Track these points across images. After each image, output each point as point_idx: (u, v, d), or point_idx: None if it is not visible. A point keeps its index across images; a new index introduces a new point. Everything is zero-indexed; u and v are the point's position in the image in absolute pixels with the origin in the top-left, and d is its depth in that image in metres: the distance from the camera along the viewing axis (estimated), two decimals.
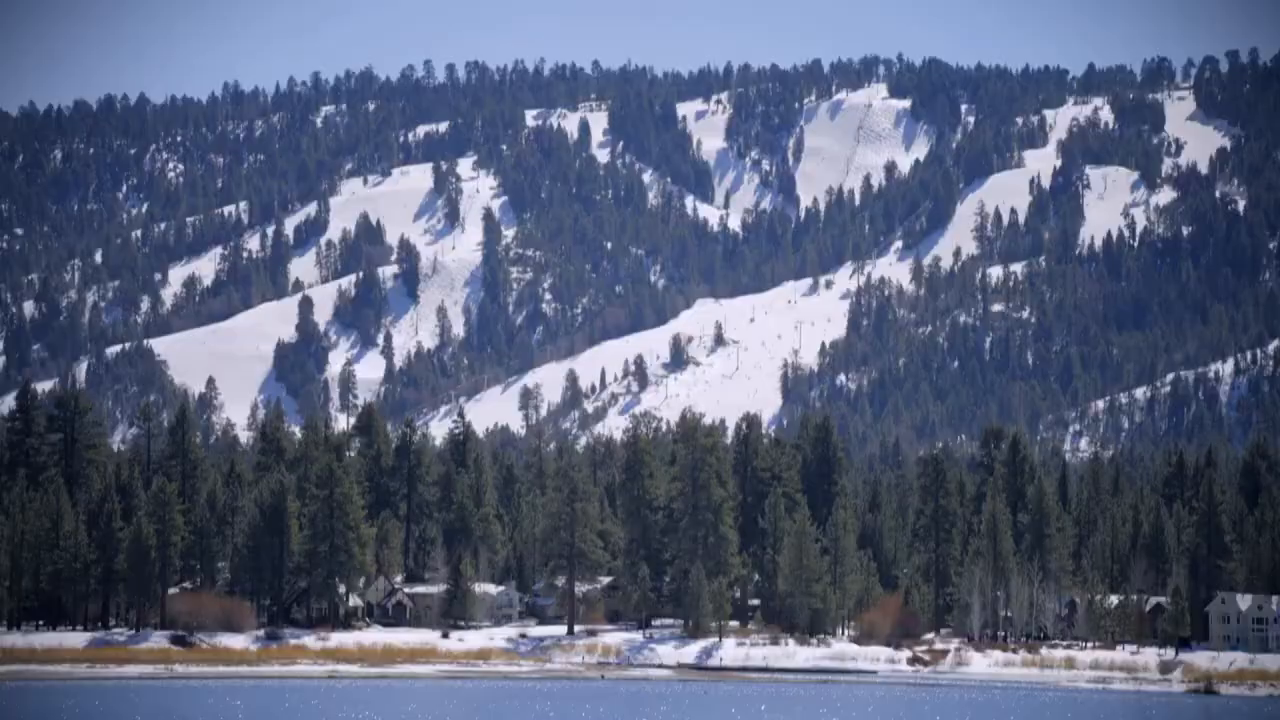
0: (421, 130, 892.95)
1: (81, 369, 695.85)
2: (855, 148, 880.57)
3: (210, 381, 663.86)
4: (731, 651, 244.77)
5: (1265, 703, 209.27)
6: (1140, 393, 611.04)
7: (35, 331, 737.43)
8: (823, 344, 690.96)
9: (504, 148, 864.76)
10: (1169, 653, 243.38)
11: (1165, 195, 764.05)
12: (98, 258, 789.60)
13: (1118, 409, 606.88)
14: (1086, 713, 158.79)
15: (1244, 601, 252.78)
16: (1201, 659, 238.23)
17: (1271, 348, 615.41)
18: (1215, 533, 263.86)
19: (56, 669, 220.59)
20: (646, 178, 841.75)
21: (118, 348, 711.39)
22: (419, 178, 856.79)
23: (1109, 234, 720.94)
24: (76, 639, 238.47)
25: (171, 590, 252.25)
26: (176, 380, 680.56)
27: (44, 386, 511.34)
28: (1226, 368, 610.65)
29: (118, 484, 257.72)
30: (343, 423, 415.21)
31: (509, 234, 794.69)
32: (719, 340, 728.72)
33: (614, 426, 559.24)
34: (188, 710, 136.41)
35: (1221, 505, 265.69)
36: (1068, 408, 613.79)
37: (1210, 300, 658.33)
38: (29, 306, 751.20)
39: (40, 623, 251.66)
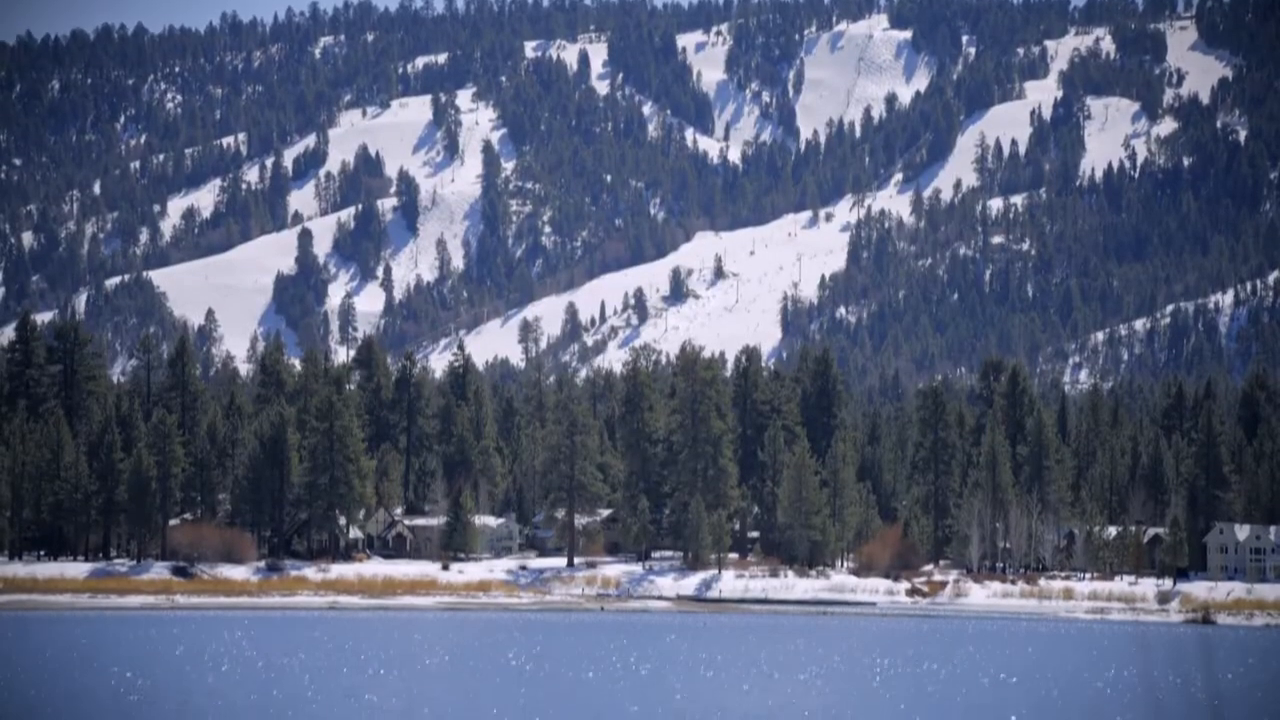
0: (420, 62, 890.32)
1: (81, 300, 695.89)
2: (856, 79, 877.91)
3: (210, 314, 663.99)
4: (731, 583, 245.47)
5: (1262, 632, 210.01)
6: (1140, 324, 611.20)
7: (34, 262, 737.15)
8: (822, 277, 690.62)
9: (503, 80, 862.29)
10: (1167, 583, 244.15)
11: (1166, 126, 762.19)
12: (96, 189, 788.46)
13: (1117, 341, 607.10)
14: (1084, 643, 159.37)
15: (1242, 532, 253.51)
16: (1199, 589, 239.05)
17: (1271, 278, 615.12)
18: (1214, 463, 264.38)
19: (58, 599, 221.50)
20: (646, 110, 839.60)
21: (117, 279, 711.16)
22: (418, 110, 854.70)
23: (1110, 165, 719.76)
24: (78, 569, 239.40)
25: (172, 522, 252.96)
26: (176, 312, 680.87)
27: (43, 318, 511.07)
28: (1226, 299, 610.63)
29: (118, 415, 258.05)
30: (342, 355, 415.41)
31: (508, 166, 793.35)
32: (719, 273, 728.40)
33: (613, 359, 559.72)
34: (194, 641, 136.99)
35: (1220, 436, 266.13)
36: (1067, 340, 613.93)
37: (1210, 231, 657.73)
38: (28, 237, 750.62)
39: (42, 553, 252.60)
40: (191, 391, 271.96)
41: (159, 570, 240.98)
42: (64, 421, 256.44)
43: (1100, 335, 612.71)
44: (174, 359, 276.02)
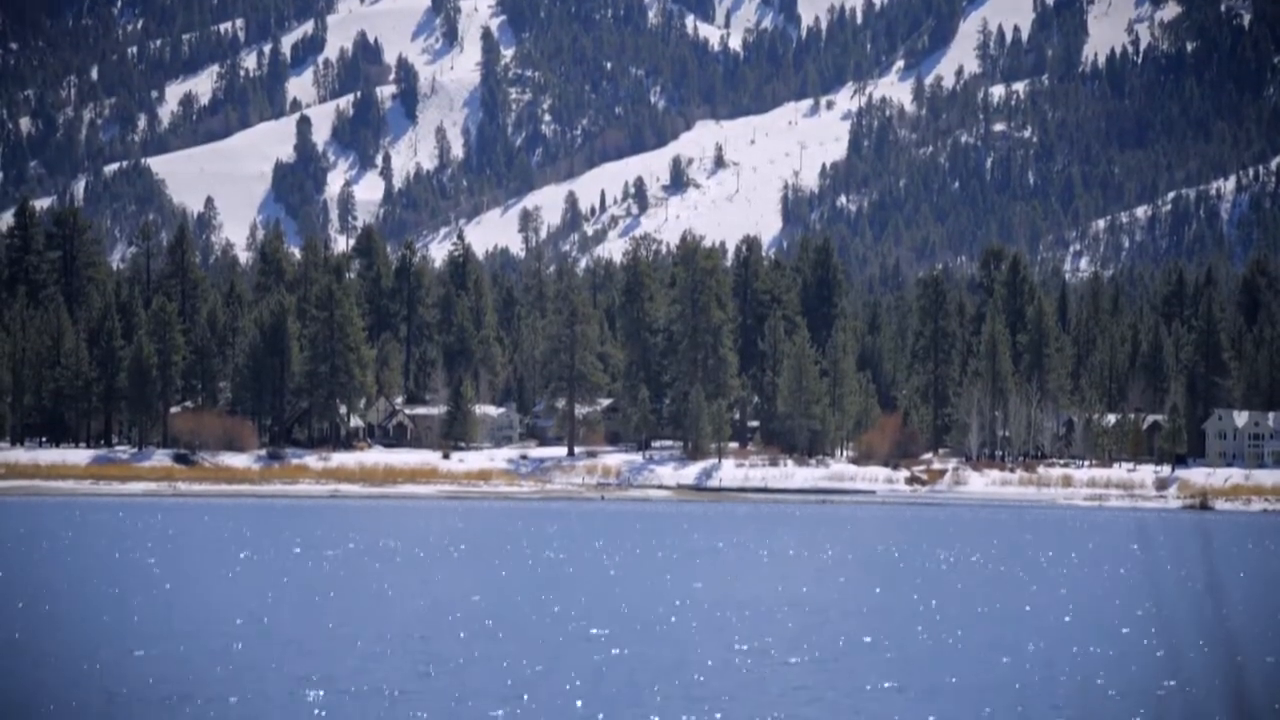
0: None
1: (79, 187, 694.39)
2: None
3: (209, 201, 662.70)
4: (730, 472, 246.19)
5: (1259, 517, 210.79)
6: (1141, 211, 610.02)
7: (32, 148, 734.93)
8: (823, 165, 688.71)
9: None
10: (1165, 470, 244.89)
11: (1170, 10, 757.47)
12: (93, 74, 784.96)
13: (1118, 228, 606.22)
14: (1082, 530, 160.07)
15: (1240, 418, 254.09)
16: (1197, 475, 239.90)
17: (1274, 164, 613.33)
18: (1213, 350, 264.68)
19: (60, 485, 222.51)
20: None
21: (115, 166, 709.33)
22: None
23: (1112, 50, 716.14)
24: (80, 456, 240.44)
25: (173, 409, 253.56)
26: (175, 199, 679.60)
27: (42, 204, 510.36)
28: (1228, 185, 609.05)
29: (118, 303, 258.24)
30: (342, 244, 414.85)
31: (508, 54, 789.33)
32: (719, 162, 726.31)
33: (614, 249, 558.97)
34: (198, 529, 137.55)
35: (1220, 323, 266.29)
36: (1068, 227, 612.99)
37: (1213, 117, 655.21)
38: (25, 123, 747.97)
39: (44, 439, 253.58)
40: (191, 279, 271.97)
41: (160, 458, 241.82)
42: (64, 308, 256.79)
43: (1101, 223, 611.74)
44: (173, 246, 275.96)
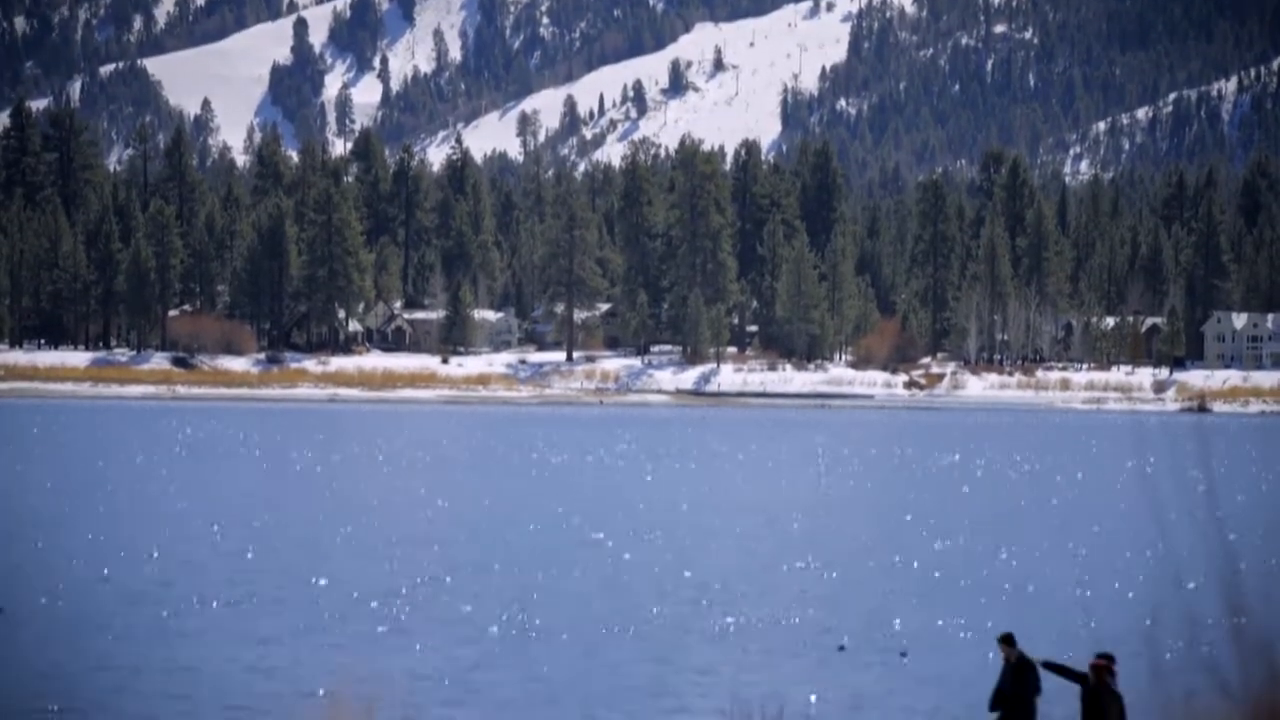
0: None
1: (75, 88, 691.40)
2: None
3: (205, 103, 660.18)
4: (729, 377, 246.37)
5: (1257, 419, 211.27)
6: (1142, 113, 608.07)
7: (27, 49, 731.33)
8: (823, 68, 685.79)
9: None
10: (1164, 372, 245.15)
11: None
12: None
13: (1119, 130, 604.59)
14: (1080, 432, 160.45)
15: (1239, 320, 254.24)
16: (1195, 378, 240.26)
17: (1276, 64, 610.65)
18: (1213, 252, 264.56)
19: (59, 387, 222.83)
20: None
21: (111, 67, 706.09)
22: None
23: None
24: (78, 358, 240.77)
25: (171, 313, 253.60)
26: (171, 102, 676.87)
27: (38, 105, 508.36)
28: (1230, 85, 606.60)
29: (115, 205, 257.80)
30: (340, 148, 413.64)
31: None
32: (718, 65, 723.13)
33: (612, 153, 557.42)
34: (205, 431, 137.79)
35: (1220, 224, 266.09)
36: (1068, 130, 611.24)
37: (1215, 17, 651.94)
38: (20, 22, 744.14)
39: (42, 342, 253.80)
40: (189, 182, 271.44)
41: (159, 361, 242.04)
42: (61, 210, 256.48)
43: (1102, 125, 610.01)
44: (170, 149, 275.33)
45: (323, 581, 51.53)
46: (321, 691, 34.78)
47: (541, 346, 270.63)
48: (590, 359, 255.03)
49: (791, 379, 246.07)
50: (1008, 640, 24.74)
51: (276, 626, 43.31)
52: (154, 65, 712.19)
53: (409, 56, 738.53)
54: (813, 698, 35.30)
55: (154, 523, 68.23)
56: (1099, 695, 23.39)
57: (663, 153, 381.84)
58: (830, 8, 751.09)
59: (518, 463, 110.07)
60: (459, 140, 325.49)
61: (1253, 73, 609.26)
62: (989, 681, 26.03)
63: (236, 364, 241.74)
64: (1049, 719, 26.63)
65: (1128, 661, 38.72)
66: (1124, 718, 23.56)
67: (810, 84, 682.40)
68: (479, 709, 34.11)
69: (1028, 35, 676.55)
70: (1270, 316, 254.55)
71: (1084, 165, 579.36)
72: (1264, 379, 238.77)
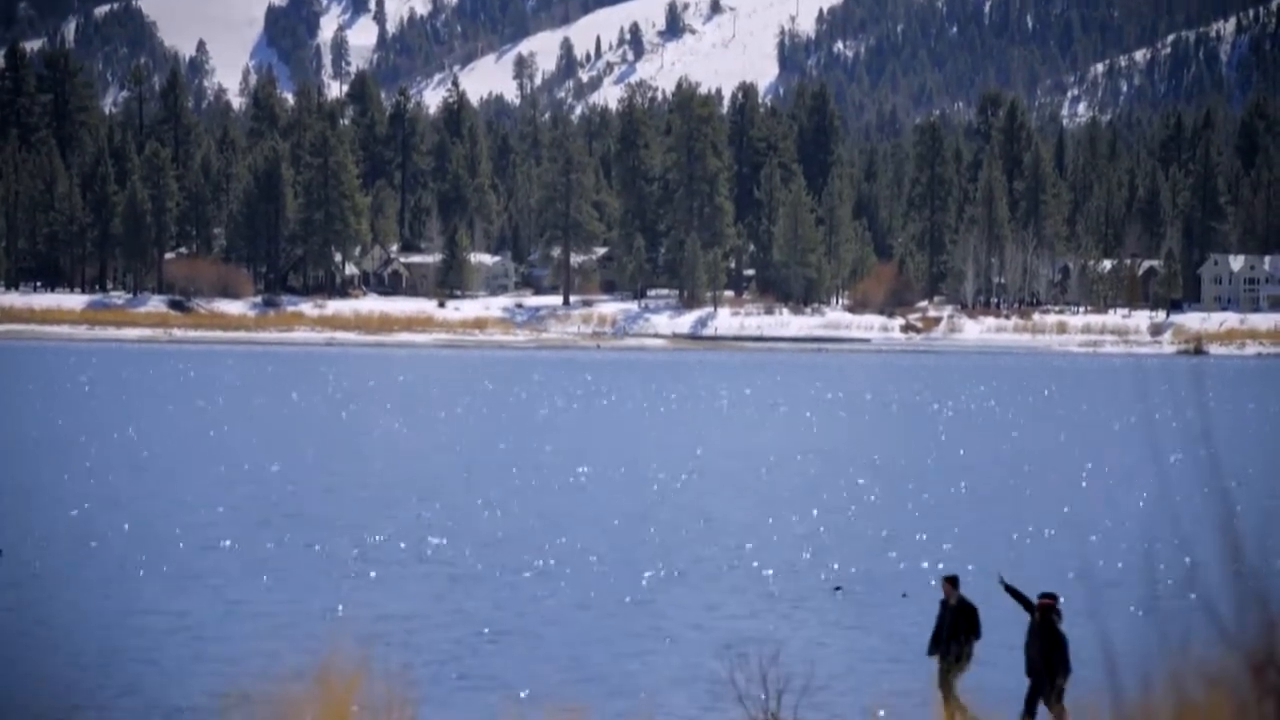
0: None
1: (69, 29, 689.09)
2: None
3: (201, 45, 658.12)
4: (726, 321, 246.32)
5: (1253, 361, 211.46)
6: (1140, 55, 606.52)
7: None
8: (820, 10, 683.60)
9: None
10: (1160, 315, 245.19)
11: None
12: None
13: (1117, 72, 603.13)
14: (1075, 375, 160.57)
15: (1236, 262, 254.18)
16: (1192, 320, 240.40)
17: (1275, 4, 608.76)
18: (1210, 194, 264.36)
19: (56, 330, 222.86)
20: None
21: (106, 8, 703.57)
22: None
23: None
24: (75, 301, 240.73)
25: (168, 256, 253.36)
26: (166, 43, 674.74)
27: (32, 46, 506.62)
28: (1228, 26, 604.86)
29: (110, 147, 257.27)
30: (336, 90, 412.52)
31: None
32: (715, 8, 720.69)
33: (609, 96, 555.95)
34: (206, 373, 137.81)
35: (1218, 166, 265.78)
36: (1066, 72, 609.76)
37: None
38: None
39: (39, 284, 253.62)
40: (184, 124, 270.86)
41: (156, 303, 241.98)
42: (56, 152, 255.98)
43: (1100, 67, 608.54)
44: (166, 91, 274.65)
45: (322, 524, 51.60)
46: (319, 631, 34.87)
47: (538, 290, 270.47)
48: (587, 303, 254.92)
49: (788, 323, 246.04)
50: (952, 581, 24.82)
51: (273, 569, 43.38)
52: (149, 6, 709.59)
53: None
54: (810, 639, 35.38)
55: (149, 465, 68.28)
56: (1042, 633, 23.74)
57: (659, 96, 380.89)
58: None
59: (522, 406, 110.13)
60: (455, 83, 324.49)
61: (1251, 14, 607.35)
62: (990, 620, 26.04)
63: (233, 307, 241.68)
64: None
65: (1125, 603, 38.80)
66: (1065, 659, 23.75)
67: (807, 26, 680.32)
68: (474, 649, 34.17)
69: None
70: (1267, 258, 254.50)
71: (1082, 107, 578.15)
72: (1261, 321, 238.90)
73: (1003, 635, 28.29)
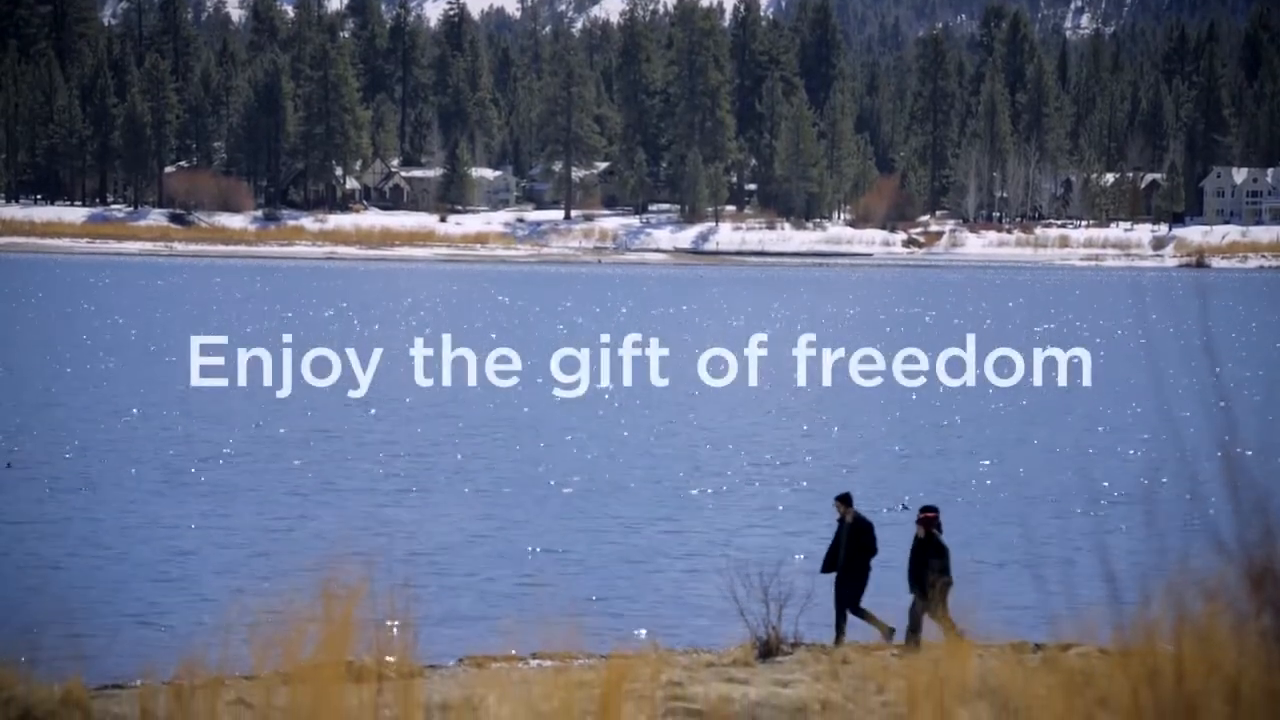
0: None
1: None
2: None
3: None
4: (728, 236, 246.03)
5: (1255, 274, 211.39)
6: None
7: None
8: None
9: None
10: (1163, 229, 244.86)
11: None
12: None
13: None
14: (1077, 289, 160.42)
15: (1239, 175, 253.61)
16: (1194, 233, 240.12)
17: None
18: (1214, 106, 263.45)
19: (56, 243, 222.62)
20: None
21: None
22: None
23: None
24: (75, 214, 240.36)
25: (168, 169, 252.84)
26: None
27: None
28: None
29: (110, 60, 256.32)
30: (336, 3, 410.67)
31: None
32: None
33: (610, 9, 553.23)
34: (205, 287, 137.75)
35: (1221, 78, 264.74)
36: None
37: None
38: None
39: (39, 197, 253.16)
40: (184, 37, 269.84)
41: (156, 217, 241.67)
42: (55, 64, 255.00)
43: None
44: (165, 2, 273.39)
45: (329, 441, 51.68)
46: (322, 550, 34.99)
47: (539, 205, 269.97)
48: (588, 218, 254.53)
49: (790, 238, 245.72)
50: (844, 500, 24.91)
51: (275, 487, 43.48)
52: None
53: None
54: (810, 554, 35.48)
55: (152, 379, 68.29)
56: (925, 547, 23.76)
57: (661, 9, 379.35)
58: None
59: (536, 324, 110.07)
60: None
61: None
62: (993, 536, 26.09)
63: (234, 221, 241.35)
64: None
65: (1124, 520, 38.89)
66: (947, 570, 23.76)
67: None
68: (479, 567, 34.29)
69: None
70: (1270, 171, 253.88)
71: (1085, 20, 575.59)
72: (1263, 234, 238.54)
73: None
